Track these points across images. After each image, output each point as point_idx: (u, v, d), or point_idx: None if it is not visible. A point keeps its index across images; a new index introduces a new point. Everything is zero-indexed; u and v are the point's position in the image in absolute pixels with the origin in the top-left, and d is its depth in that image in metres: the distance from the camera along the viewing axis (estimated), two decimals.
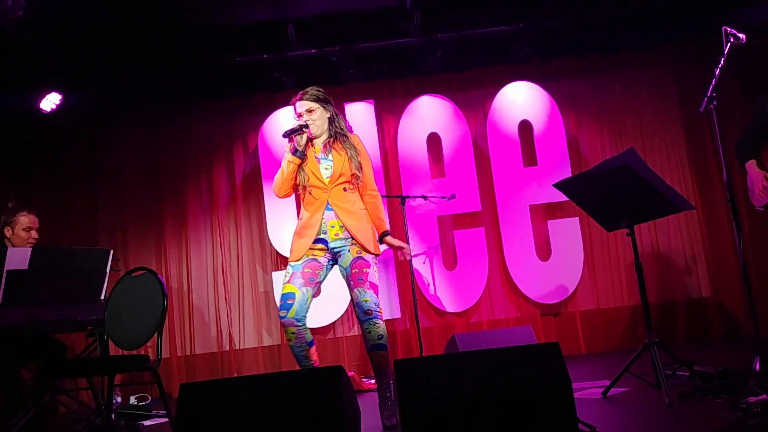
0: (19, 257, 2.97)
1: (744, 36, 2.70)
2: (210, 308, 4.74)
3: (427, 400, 1.87)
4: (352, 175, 2.73)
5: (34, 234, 3.37)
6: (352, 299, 2.71)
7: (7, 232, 3.36)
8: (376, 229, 2.79)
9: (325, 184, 2.71)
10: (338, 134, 2.78)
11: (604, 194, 2.70)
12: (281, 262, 4.71)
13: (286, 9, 4.24)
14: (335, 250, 2.72)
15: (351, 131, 2.87)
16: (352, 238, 2.70)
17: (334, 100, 4.77)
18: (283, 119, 4.80)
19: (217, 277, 4.77)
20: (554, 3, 4.35)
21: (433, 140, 4.82)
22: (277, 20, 4.30)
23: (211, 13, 4.11)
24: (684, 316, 4.59)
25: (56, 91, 4.34)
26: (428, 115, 4.81)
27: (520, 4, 4.41)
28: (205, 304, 4.75)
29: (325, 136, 2.79)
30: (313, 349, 2.68)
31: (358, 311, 2.67)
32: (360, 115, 4.80)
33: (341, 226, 2.70)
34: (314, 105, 2.77)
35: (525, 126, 4.78)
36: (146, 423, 3.35)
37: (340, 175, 2.71)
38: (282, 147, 3.07)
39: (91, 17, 3.93)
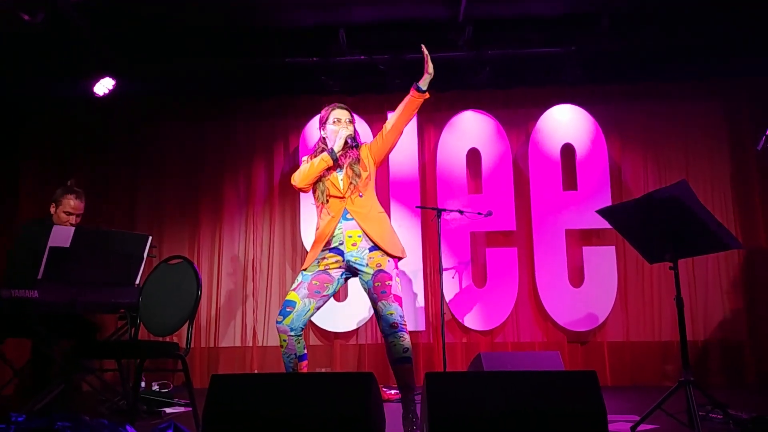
0: (62, 235, 3.04)
1: None
2: (237, 303, 4.79)
3: (458, 416, 1.84)
4: (360, 178, 2.74)
5: (73, 219, 3.40)
6: (376, 312, 2.68)
7: (52, 209, 3.42)
8: (411, 92, 2.74)
9: (342, 193, 2.73)
10: (353, 147, 2.81)
11: (651, 225, 2.65)
12: None
13: (339, 14, 4.28)
14: (352, 263, 2.70)
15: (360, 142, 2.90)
16: (374, 245, 2.67)
17: (379, 108, 4.91)
18: None
19: (246, 273, 4.82)
20: (607, 28, 4.30)
21: (473, 156, 4.80)
22: (330, 25, 4.34)
23: (269, 14, 4.18)
24: (717, 358, 4.45)
25: (109, 76, 4.46)
26: (470, 130, 4.80)
27: (573, 26, 4.38)
28: (233, 299, 4.80)
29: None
30: (304, 364, 2.66)
31: (383, 324, 2.64)
32: None
33: (359, 236, 2.68)
34: (350, 118, 2.85)
35: (567, 149, 4.73)
36: (168, 410, 3.38)
37: (350, 184, 2.73)
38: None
39: (148, 7, 4.02)
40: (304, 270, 2.72)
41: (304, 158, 2.87)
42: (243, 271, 4.83)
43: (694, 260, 4.52)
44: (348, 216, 2.71)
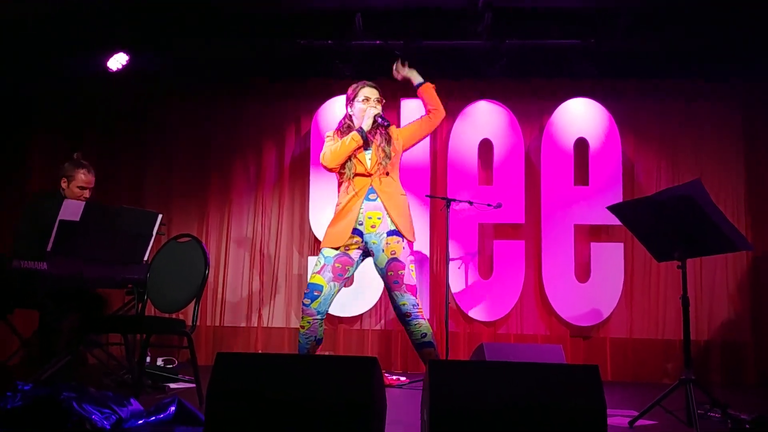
0: (72, 209, 3.06)
1: None
2: (243, 284, 4.82)
3: (459, 404, 1.86)
4: (389, 159, 2.77)
5: (86, 194, 3.41)
6: (390, 299, 2.77)
7: (63, 183, 3.42)
8: (419, 91, 2.99)
9: (368, 171, 2.74)
10: (382, 126, 2.83)
11: (662, 223, 2.63)
12: (318, 248, 4.75)
13: None
14: (369, 245, 2.74)
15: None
16: (392, 229, 2.70)
17: (392, 94, 4.87)
18: (339, 107, 4.82)
19: (254, 255, 4.84)
20: (627, 22, 4.24)
21: (485, 147, 4.77)
22: (347, 8, 4.30)
23: None
24: (718, 357, 4.45)
25: (123, 52, 4.44)
26: (483, 120, 4.77)
27: (592, 19, 4.32)
28: (239, 280, 4.83)
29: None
30: (319, 347, 2.73)
31: (398, 314, 2.72)
32: (415, 112, 4.75)
33: (379, 218, 2.71)
34: (379, 97, 2.89)
35: (581, 144, 4.69)
36: (172, 385, 3.42)
37: (378, 163, 2.75)
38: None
39: None
40: (333, 248, 2.72)
41: (328, 133, 2.87)
42: (250, 253, 4.85)
43: (702, 260, 4.49)
44: (371, 196, 2.73)
